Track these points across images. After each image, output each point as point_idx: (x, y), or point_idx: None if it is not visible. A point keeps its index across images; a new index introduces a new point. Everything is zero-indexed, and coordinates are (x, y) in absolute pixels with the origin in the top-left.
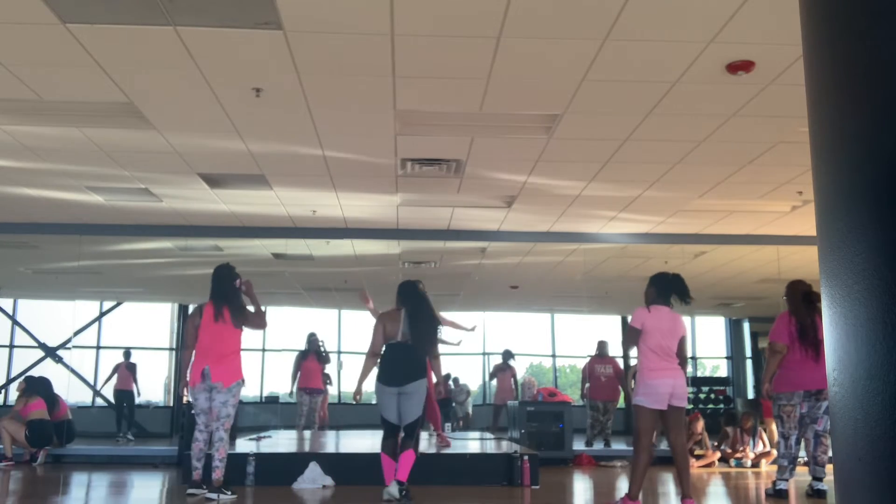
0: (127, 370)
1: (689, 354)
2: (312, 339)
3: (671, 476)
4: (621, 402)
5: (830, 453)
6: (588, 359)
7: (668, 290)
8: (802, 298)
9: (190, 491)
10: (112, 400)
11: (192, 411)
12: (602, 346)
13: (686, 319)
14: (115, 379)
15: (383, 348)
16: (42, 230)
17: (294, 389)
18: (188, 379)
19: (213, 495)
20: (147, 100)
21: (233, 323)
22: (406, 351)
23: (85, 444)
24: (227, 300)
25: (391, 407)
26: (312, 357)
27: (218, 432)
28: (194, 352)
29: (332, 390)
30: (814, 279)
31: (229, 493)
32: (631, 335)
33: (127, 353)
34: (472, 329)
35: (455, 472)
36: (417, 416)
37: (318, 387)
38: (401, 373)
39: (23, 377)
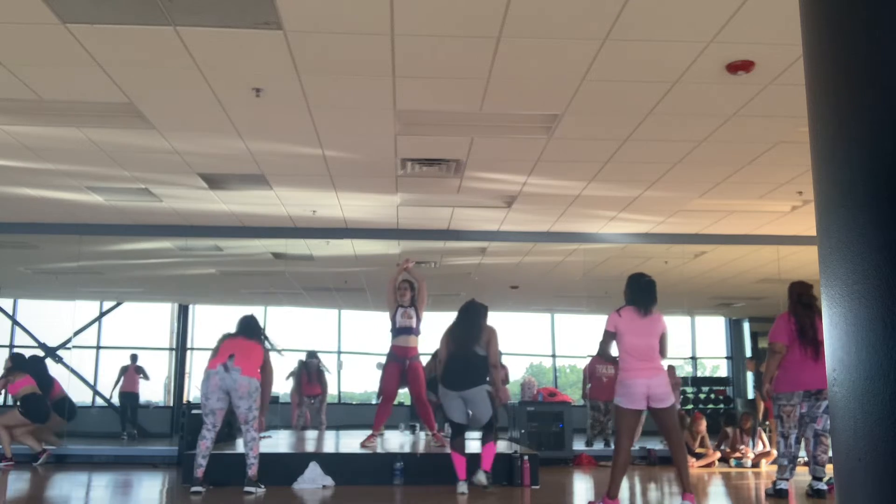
0: (136, 372)
1: (668, 353)
2: (311, 363)
3: (669, 475)
4: None
5: (830, 453)
6: (589, 359)
7: (637, 293)
8: (797, 299)
9: (193, 489)
10: (117, 402)
11: (201, 411)
12: None
13: (686, 319)
14: (121, 381)
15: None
16: (42, 230)
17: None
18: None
19: (252, 489)
20: (147, 100)
21: (258, 342)
22: (464, 359)
23: (85, 444)
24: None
25: (456, 409)
26: (313, 375)
27: (248, 433)
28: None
29: (332, 390)
30: (814, 279)
31: (262, 487)
32: (603, 339)
33: (134, 357)
34: None
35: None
36: (489, 414)
37: (318, 392)
38: (460, 378)
39: (9, 355)
